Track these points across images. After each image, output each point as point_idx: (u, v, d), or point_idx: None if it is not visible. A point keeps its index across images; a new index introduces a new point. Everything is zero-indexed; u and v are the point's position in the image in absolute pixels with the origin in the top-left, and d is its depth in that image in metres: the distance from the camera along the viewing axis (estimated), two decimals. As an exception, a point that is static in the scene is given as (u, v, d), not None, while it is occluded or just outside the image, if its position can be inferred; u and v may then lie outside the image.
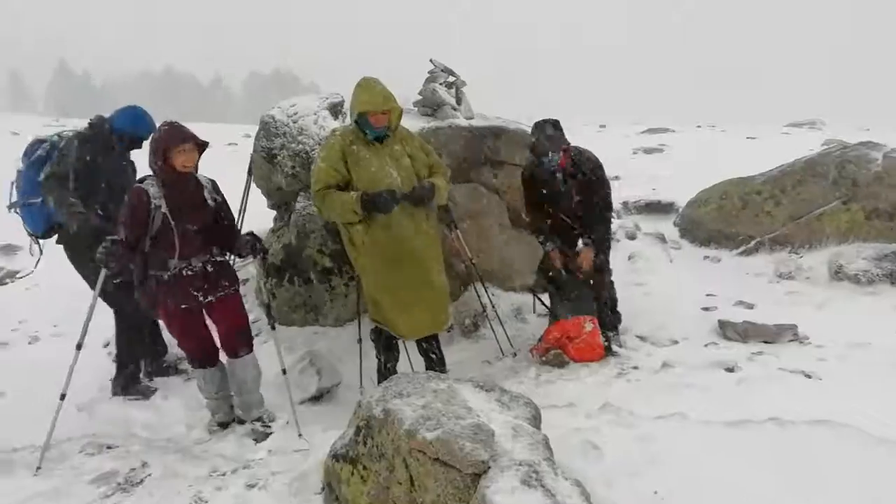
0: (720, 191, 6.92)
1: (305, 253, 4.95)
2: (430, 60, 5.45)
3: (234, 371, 3.71)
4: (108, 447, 3.48)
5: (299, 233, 5.01)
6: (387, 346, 4.11)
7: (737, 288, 5.49)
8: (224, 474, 3.06)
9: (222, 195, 3.69)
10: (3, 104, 59.60)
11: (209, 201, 3.57)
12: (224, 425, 3.78)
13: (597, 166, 4.41)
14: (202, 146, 3.48)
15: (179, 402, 4.24)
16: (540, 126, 4.36)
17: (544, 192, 4.43)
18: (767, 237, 6.19)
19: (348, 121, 3.96)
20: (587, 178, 4.35)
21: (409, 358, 4.29)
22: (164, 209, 3.36)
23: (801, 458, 2.44)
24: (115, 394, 4.27)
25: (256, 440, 3.56)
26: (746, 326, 4.50)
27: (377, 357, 4.14)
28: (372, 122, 3.71)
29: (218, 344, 3.74)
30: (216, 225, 3.61)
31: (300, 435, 3.53)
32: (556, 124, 4.36)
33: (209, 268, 3.56)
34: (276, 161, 5.09)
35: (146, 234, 3.36)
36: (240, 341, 3.71)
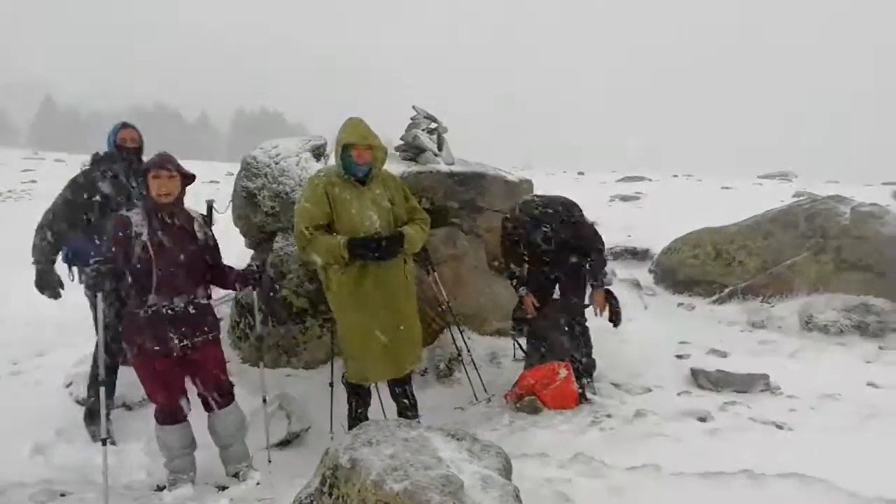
0: (694, 239, 7.03)
1: (281, 293, 4.90)
2: (413, 107, 5.54)
3: (213, 425, 3.51)
4: (62, 494, 3.31)
5: (276, 273, 4.97)
6: (358, 391, 4.04)
7: (710, 336, 5.54)
8: (184, 524, 2.94)
9: (212, 233, 3.53)
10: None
11: (199, 235, 3.39)
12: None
13: (574, 209, 4.50)
14: (185, 177, 3.34)
15: (140, 446, 4.10)
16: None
17: (523, 236, 4.47)
18: (740, 286, 6.28)
19: (332, 161, 4.00)
20: (570, 222, 4.42)
21: (382, 403, 4.22)
22: (144, 237, 3.17)
23: (772, 513, 2.42)
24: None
25: (219, 488, 3.43)
26: (719, 375, 4.52)
27: (348, 402, 4.07)
28: (355, 157, 3.70)
29: (191, 396, 3.50)
30: (203, 262, 3.42)
31: (269, 461, 3.54)
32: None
33: (191, 309, 3.33)
34: (256, 201, 5.09)
35: (127, 264, 3.17)
36: (218, 394, 3.51)
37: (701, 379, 4.54)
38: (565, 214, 4.44)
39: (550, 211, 4.43)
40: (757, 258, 6.42)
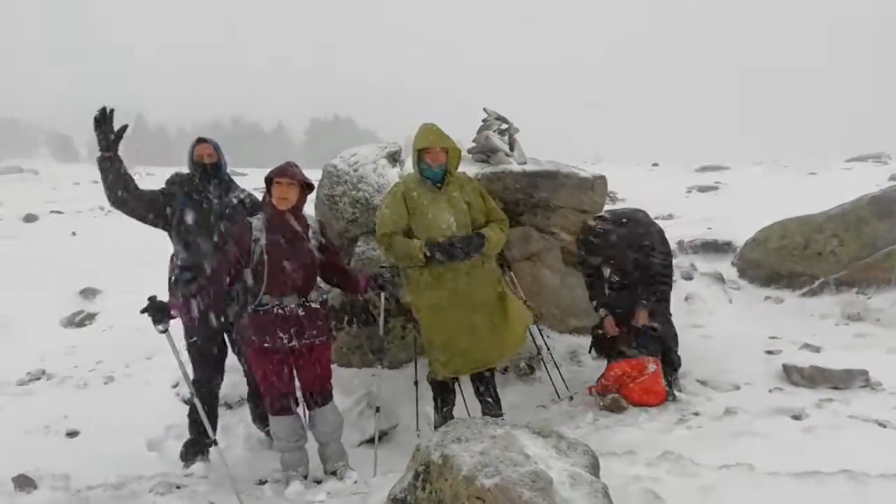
0: (780, 229, 6.74)
1: (364, 296, 5.09)
2: (484, 109, 5.61)
3: (313, 421, 3.70)
4: (178, 487, 3.59)
5: (358, 276, 5.16)
6: (443, 389, 4.17)
7: (801, 330, 5.31)
8: (286, 516, 3.13)
9: (328, 239, 3.72)
10: (84, 156, 63.89)
11: (311, 241, 3.58)
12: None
13: (650, 232, 4.45)
14: (306, 186, 3.55)
15: (240, 442, 4.38)
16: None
17: (599, 259, 4.45)
18: (832, 277, 5.98)
19: (408, 166, 4.17)
20: (642, 245, 4.36)
21: (465, 401, 4.32)
22: (262, 242, 3.43)
23: (875, 514, 2.34)
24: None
25: (316, 482, 3.62)
26: (813, 371, 4.33)
27: (434, 400, 4.20)
28: (428, 161, 3.88)
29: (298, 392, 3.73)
30: (315, 267, 3.61)
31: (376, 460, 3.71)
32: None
33: (301, 311, 3.52)
34: (337, 207, 5.31)
35: (247, 265, 3.44)
36: (319, 393, 3.68)
37: (794, 375, 4.37)
38: (636, 241, 4.38)
39: (620, 239, 4.39)
40: (850, 248, 6.09)
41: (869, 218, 6.22)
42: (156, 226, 4.06)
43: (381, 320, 4.02)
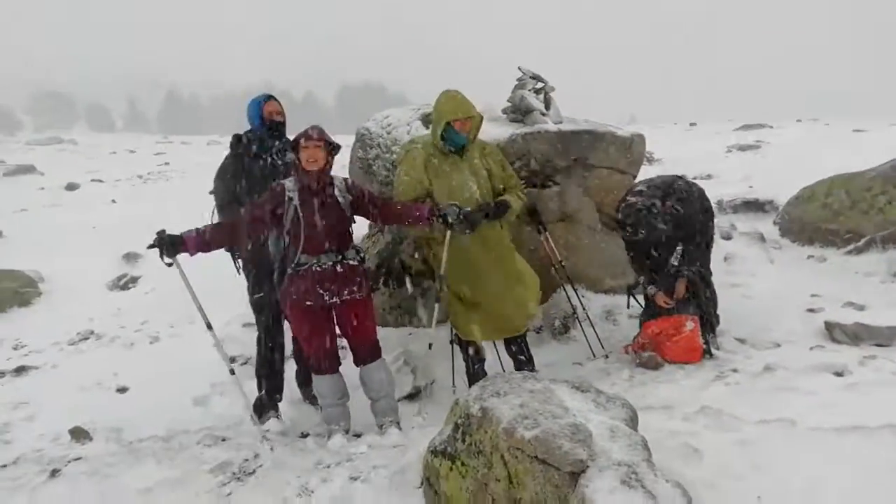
0: (825, 187, 6.54)
1: (399, 257, 5.13)
2: (519, 68, 5.51)
3: (363, 378, 3.75)
4: (223, 439, 3.72)
5: (393, 238, 5.20)
6: (471, 349, 4.20)
7: (845, 288, 5.18)
8: (328, 466, 3.19)
9: (359, 190, 3.69)
10: (121, 126, 65.54)
11: (339, 199, 3.59)
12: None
13: (691, 201, 4.35)
14: (332, 147, 3.56)
15: (284, 397, 4.51)
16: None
17: (641, 232, 4.37)
18: (879, 235, 5.79)
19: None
20: (689, 215, 4.27)
21: (500, 359, 4.36)
22: (296, 202, 3.48)
23: (921, 468, 2.31)
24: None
25: (357, 435, 3.72)
26: (857, 328, 4.23)
27: (464, 359, 4.24)
28: (457, 129, 3.87)
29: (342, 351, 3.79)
30: (347, 224, 3.63)
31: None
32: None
33: (339, 268, 3.55)
34: (371, 170, 5.32)
35: (282, 227, 3.51)
36: (365, 350, 3.73)
37: (836, 332, 4.28)
38: (679, 214, 4.27)
39: (661, 214, 4.22)
40: (899, 204, 5.88)
41: (919, 174, 5.99)
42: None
43: (437, 281, 3.95)
